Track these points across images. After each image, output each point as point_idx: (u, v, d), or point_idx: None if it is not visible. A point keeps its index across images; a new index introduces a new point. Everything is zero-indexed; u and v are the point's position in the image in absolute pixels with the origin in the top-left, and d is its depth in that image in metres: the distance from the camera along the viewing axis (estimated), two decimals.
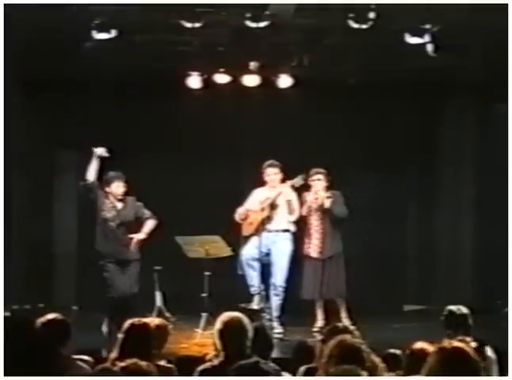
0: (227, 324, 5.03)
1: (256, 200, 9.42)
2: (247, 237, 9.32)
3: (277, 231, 9.30)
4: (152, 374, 4.31)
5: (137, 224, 9.00)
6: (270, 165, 9.38)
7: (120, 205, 8.99)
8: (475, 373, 3.91)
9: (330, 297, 9.37)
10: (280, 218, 9.29)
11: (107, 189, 8.93)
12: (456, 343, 4.08)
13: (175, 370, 5.32)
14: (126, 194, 9.02)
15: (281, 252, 9.31)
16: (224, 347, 5.00)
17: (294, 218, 9.34)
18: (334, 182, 9.42)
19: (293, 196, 9.31)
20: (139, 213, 9.03)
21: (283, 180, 9.32)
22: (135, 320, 5.27)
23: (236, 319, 5.08)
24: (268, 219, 9.21)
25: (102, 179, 8.94)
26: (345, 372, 3.93)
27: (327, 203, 9.31)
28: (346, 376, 3.90)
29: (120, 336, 5.15)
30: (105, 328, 8.79)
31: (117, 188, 8.93)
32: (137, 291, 8.82)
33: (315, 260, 9.38)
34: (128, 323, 5.21)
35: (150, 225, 9.03)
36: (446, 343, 4.07)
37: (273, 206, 9.24)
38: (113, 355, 5.06)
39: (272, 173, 9.33)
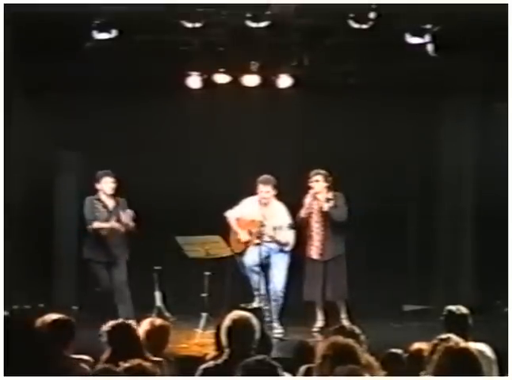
0: (236, 322, 5.07)
1: (246, 212, 9.36)
2: (240, 253, 9.32)
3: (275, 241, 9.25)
4: (156, 374, 4.32)
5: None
6: (263, 182, 9.23)
7: (111, 203, 9.13)
8: (478, 373, 3.92)
9: (332, 299, 9.35)
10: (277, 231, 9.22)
11: (97, 186, 9.12)
12: (463, 344, 4.09)
13: (166, 365, 5.31)
14: (117, 193, 9.19)
15: (280, 258, 9.28)
16: (230, 345, 5.03)
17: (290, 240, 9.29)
18: (334, 183, 9.41)
19: (284, 215, 9.24)
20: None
21: (277, 195, 9.28)
22: (120, 321, 5.33)
23: (245, 318, 5.13)
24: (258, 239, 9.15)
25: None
26: (349, 372, 3.94)
27: (326, 207, 9.27)
28: (350, 376, 3.92)
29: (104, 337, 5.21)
30: None
31: (106, 183, 9.08)
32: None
33: (317, 262, 9.36)
34: (108, 325, 5.27)
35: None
36: (452, 343, 4.09)
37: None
38: (105, 356, 5.11)
39: (264, 191, 9.21)
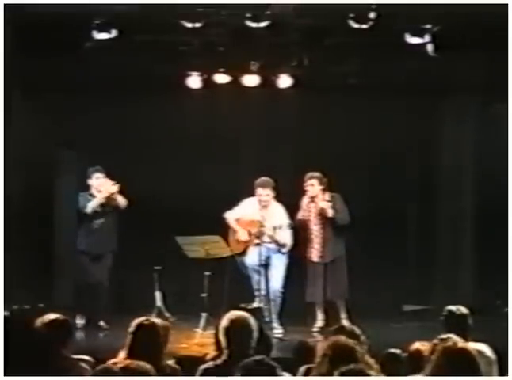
0: (234, 322, 5.07)
1: (246, 213, 9.33)
2: (239, 253, 9.31)
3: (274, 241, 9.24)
4: (151, 374, 4.32)
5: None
6: (262, 185, 9.19)
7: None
8: (477, 373, 3.92)
9: (333, 299, 9.35)
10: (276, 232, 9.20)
11: (89, 182, 9.52)
12: (461, 344, 4.09)
13: (180, 371, 5.30)
14: None
15: (278, 258, 9.26)
16: (229, 345, 5.02)
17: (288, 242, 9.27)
18: (333, 183, 9.39)
19: (283, 215, 9.20)
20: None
21: (276, 195, 9.23)
22: (143, 319, 5.28)
23: (243, 318, 5.14)
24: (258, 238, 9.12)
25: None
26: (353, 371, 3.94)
27: (330, 213, 9.23)
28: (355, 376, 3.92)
29: (129, 336, 5.16)
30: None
31: (98, 179, 9.43)
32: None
33: (317, 265, 9.34)
34: (135, 323, 5.21)
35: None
36: (450, 343, 4.08)
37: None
38: (122, 355, 5.07)
39: (264, 194, 9.16)
